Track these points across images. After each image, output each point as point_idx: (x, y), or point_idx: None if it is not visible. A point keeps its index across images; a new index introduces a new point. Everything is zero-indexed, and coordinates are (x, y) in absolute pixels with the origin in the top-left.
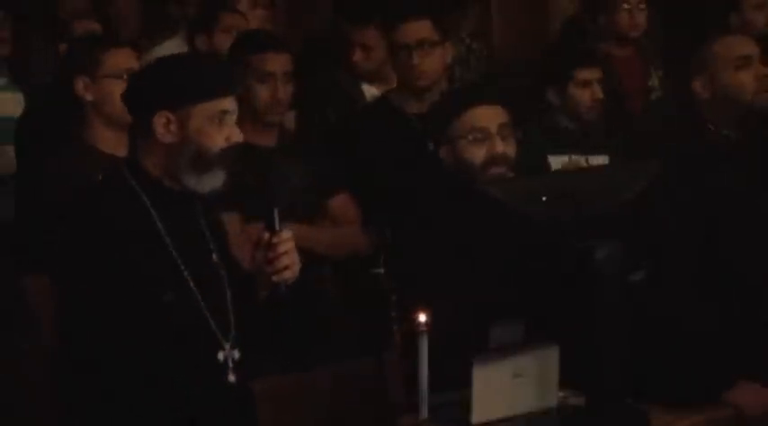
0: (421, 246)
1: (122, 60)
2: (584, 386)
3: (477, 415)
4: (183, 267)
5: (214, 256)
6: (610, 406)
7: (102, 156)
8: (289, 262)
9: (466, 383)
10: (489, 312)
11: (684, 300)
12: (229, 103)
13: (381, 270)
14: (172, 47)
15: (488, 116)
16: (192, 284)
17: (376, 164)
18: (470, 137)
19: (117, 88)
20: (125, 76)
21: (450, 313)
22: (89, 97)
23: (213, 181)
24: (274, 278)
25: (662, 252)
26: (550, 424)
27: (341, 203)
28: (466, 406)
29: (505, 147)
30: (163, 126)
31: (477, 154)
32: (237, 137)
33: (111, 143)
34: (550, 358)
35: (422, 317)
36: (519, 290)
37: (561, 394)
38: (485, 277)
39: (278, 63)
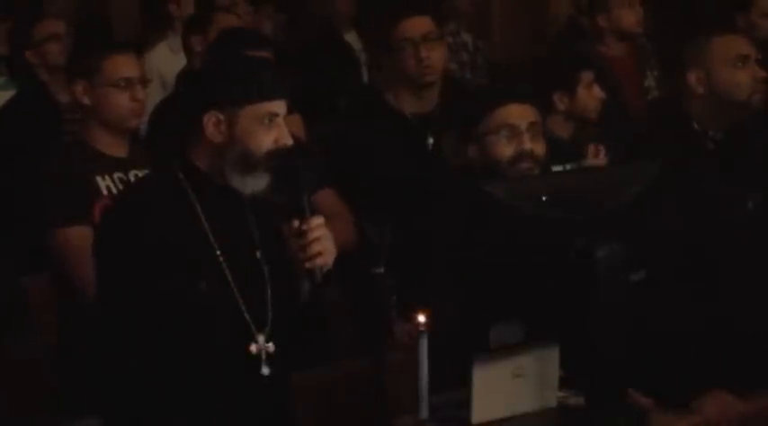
0: (421, 246)
1: (122, 67)
2: (584, 386)
3: (477, 415)
4: (221, 259)
5: (258, 252)
6: (610, 406)
7: (101, 156)
8: (321, 249)
9: (466, 383)
10: (489, 312)
11: (667, 303)
12: (278, 106)
13: (381, 270)
14: (164, 49)
15: (519, 113)
16: (228, 276)
17: (375, 164)
18: (500, 134)
19: (115, 96)
20: (123, 84)
21: (451, 312)
22: (86, 101)
23: (256, 182)
24: (308, 265)
25: (651, 254)
26: (550, 424)
27: (325, 198)
28: (466, 406)
29: (534, 145)
30: (213, 125)
31: (506, 150)
32: (286, 139)
33: (110, 144)
34: (550, 358)
35: (422, 317)
36: (519, 290)
37: (561, 394)
38: (485, 276)
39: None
